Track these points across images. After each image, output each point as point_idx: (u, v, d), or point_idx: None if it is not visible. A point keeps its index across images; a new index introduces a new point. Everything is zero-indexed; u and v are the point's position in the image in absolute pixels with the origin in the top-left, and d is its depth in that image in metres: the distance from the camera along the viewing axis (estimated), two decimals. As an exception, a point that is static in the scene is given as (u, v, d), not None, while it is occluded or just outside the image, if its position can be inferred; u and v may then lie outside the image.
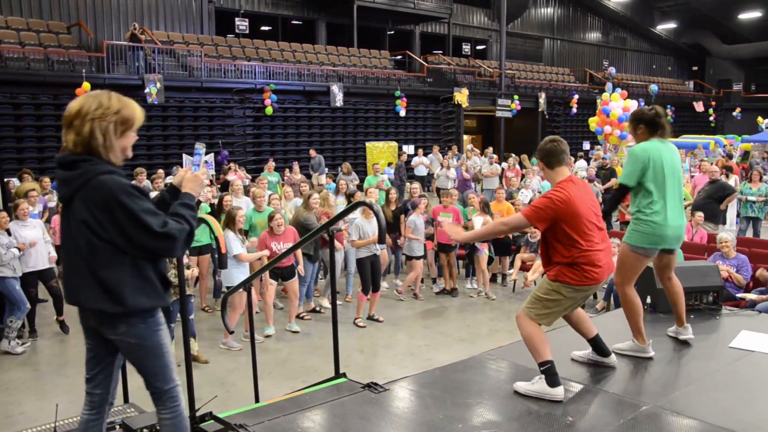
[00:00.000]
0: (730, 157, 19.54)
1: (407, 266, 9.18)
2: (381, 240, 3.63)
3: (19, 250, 6.81)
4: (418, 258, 8.85)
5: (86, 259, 2.51)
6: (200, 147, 2.95)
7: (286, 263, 7.28)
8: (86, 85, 14.83)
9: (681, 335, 4.46)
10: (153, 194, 8.53)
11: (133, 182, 11.81)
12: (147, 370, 2.68)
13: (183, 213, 2.63)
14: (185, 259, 6.80)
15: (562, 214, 3.51)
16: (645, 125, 4.07)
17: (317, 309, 8.31)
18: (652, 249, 4.00)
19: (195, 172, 2.85)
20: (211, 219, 3.25)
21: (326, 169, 17.74)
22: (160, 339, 2.67)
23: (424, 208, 9.16)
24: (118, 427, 3.42)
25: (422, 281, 9.51)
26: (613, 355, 3.96)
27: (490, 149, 19.23)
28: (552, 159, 3.70)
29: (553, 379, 3.53)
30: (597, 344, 3.93)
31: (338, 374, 4.22)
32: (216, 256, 7.93)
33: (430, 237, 9.23)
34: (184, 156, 16.49)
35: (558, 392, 3.52)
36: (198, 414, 3.45)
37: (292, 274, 7.51)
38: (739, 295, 6.92)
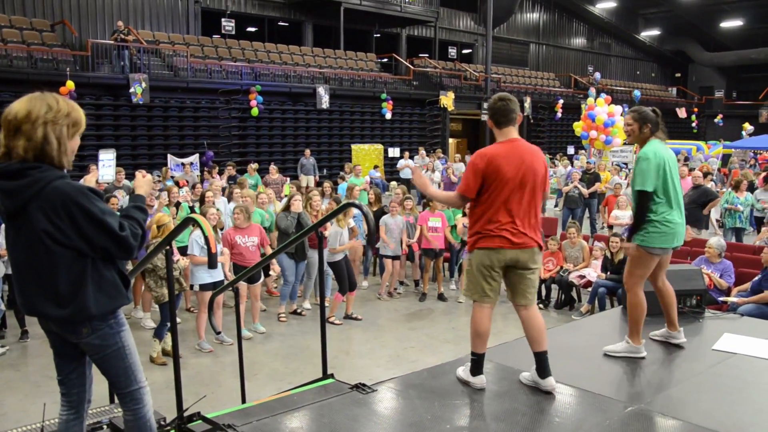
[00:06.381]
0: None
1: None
2: (370, 240, 3.67)
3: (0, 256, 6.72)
4: (389, 258, 8.89)
5: (45, 268, 2.45)
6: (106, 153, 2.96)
7: (252, 263, 7.01)
8: (70, 83, 14.71)
9: (674, 339, 4.48)
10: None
11: (115, 181, 11.55)
12: (110, 372, 2.66)
13: (136, 216, 2.63)
14: (176, 257, 6.79)
15: (485, 176, 3.49)
16: (652, 125, 4.12)
17: (298, 311, 8.29)
18: (667, 249, 4.09)
19: (148, 176, 2.89)
20: (201, 219, 3.24)
21: (317, 172, 17.74)
22: (123, 340, 2.63)
23: (409, 210, 9.21)
24: (105, 426, 3.40)
25: (401, 283, 9.58)
26: (550, 379, 3.63)
27: (458, 156, 19.37)
28: (500, 118, 3.62)
29: (475, 369, 3.74)
30: (540, 362, 3.64)
31: (326, 375, 4.22)
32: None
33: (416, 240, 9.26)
34: (169, 156, 16.41)
35: (477, 381, 3.73)
36: (186, 414, 3.43)
37: (258, 276, 7.47)
38: (721, 298, 7.02)
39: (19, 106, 2.45)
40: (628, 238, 4.31)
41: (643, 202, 4.02)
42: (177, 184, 11.39)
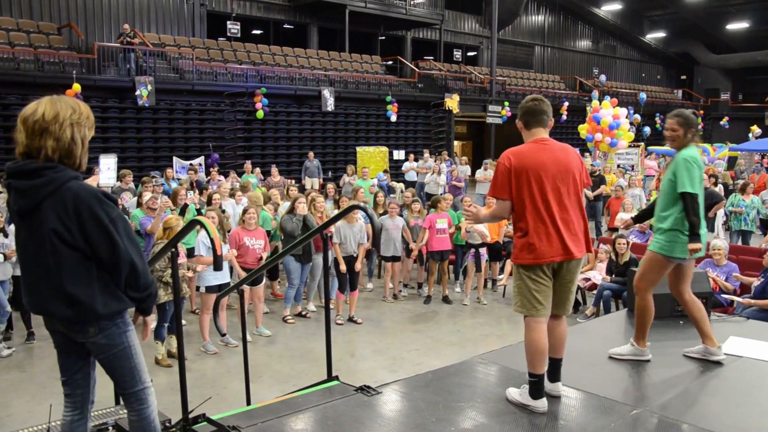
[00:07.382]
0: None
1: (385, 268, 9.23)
2: (375, 244, 3.65)
3: (5, 257, 6.75)
4: (389, 260, 8.90)
5: (53, 268, 2.47)
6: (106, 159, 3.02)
7: (256, 265, 7.08)
8: (76, 86, 14.76)
9: (713, 356, 4.21)
10: (146, 196, 8.27)
11: (119, 184, 11.55)
12: (115, 372, 2.68)
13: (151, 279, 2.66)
14: (183, 259, 6.81)
15: (515, 177, 3.34)
16: (695, 130, 4.04)
17: (303, 313, 8.29)
18: (690, 259, 4.00)
19: None
20: (207, 221, 3.25)
21: (321, 174, 17.73)
22: (130, 340, 2.65)
23: (417, 213, 9.22)
24: (111, 428, 3.42)
25: (406, 285, 9.60)
26: (558, 385, 3.65)
27: (465, 158, 19.33)
28: (530, 118, 3.50)
29: (536, 392, 3.47)
30: (553, 368, 3.61)
31: (331, 377, 4.23)
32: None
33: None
34: (175, 159, 16.44)
35: (540, 405, 3.47)
36: (191, 416, 3.44)
37: (261, 278, 7.50)
38: (723, 295, 7.01)
39: (44, 108, 2.48)
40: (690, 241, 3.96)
41: (693, 203, 3.84)
42: (191, 185, 11.45)
